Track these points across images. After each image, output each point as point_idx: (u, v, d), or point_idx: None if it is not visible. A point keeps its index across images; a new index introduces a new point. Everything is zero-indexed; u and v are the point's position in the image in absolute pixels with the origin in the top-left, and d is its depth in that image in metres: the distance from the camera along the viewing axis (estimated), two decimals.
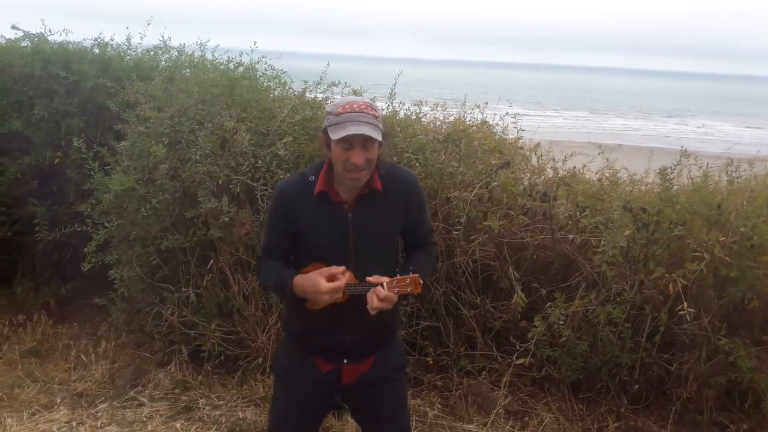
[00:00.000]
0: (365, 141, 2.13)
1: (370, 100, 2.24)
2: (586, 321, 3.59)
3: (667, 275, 3.35)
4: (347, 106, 2.15)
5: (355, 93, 4.31)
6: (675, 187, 3.77)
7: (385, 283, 2.18)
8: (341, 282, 2.18)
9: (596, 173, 4.16)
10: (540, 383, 3.92)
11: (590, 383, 3.81)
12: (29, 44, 5.29)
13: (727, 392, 3.67)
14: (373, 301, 2.16)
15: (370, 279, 2.19)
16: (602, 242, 3.46)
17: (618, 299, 3.53)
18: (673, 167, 3.78)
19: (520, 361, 3.54)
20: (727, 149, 5.67)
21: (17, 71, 5.07)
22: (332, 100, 4.29)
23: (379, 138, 2.15)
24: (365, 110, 2.14)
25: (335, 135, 2.12)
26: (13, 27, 5.33)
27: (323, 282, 2.17)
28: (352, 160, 2.14)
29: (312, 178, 2.30)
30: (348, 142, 2.12)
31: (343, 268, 2.21)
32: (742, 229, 3.36)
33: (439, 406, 3.83)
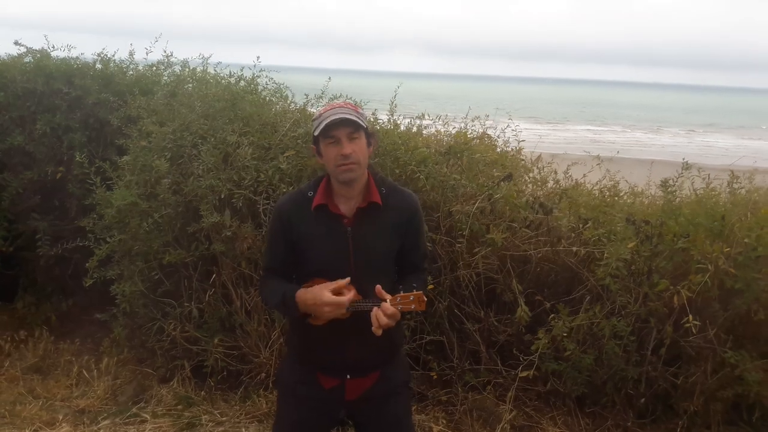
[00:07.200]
0: (350, 133, 2.18)
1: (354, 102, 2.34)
2: (590, 334, 3.56)
3: (672, 287, 3.34)
4: (327, 107, 2.26)
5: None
6: (677, 199, 3.76)
7: (389, 299, 2.16)
8: (346, 297, 2.17)
9: (596, 184, 4.15)
10: (545, 397, 3.89)
11: (596, 397, 3.78)
12: (32, 60, 5.30)
13: (735, 405, 3.64)
14: (381, 319, 2.14)
15: (377, 288, 2.17)
16: (606, 255, 3.44)
17: (623, 312, 3.51)
18: (675, 179, 3.78)
19: (525, 373, 3.49)
20: (730, 163, 5.64)
21: (19, 87, 5.09)
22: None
23: (362, 125, 2.20)
24: (344, 106, 2.24)
25: (318, 131, 2.20)
26: (16, 43, 5.34)
27: (326, 293, 2.16)
28: (341, 152, 2.18)
29: (311, 193, 2.31)
30: (333, 136, 2.18)
31: (348, 279, 2.20)
32: (746, 240, 3.34)
33: (444, 422, 3.80)
